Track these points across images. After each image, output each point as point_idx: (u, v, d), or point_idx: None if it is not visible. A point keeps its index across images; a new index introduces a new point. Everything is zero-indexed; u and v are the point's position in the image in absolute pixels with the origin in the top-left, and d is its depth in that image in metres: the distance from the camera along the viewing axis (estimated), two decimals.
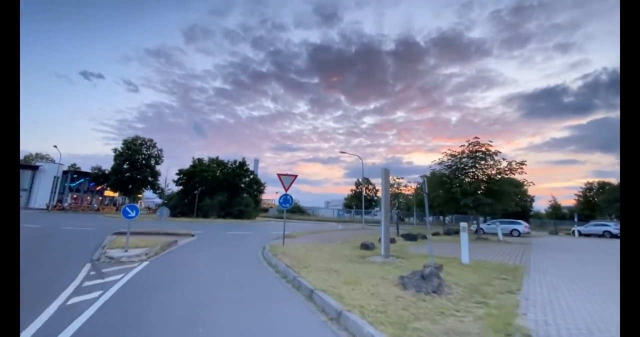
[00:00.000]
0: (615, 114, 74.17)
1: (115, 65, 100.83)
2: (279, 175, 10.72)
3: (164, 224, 15.34)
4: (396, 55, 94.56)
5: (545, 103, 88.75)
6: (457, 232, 23.28)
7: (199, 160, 32.28)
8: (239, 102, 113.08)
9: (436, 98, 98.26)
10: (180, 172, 31.84)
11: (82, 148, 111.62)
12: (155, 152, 44.62)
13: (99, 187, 46.62)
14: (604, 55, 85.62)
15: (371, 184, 56.90)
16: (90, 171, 42.00)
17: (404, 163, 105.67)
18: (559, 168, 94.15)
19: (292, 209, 50.77)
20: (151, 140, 44.55)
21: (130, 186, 42.30)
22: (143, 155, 43.58)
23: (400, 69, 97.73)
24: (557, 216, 55.12)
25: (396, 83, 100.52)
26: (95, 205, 40.10)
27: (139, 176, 42.23)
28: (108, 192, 47.92)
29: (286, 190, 10.78)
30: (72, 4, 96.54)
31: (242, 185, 33.53)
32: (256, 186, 34.77)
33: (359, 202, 56.57)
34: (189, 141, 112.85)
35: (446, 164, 18.71)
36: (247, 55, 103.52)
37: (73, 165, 61.77)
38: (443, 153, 19.11)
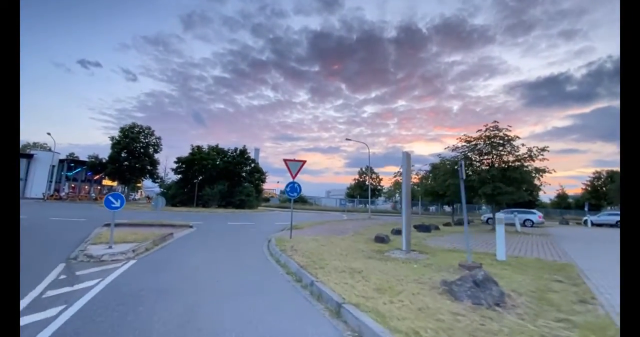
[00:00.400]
0: (619, 103, 75.31)
1: (113, 54, 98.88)
2: (285, 160, 9.55)
3: (160, 215, 14.30)
4: (398, 43, 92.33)
5: (547, 91, 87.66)
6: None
7: (198, 147, 30.92)
8: (238, 91, 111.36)
9: (438, 86, 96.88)
10: (179, 160, 30.54)
11: (82, 138, 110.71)
12: (154, 140, 43.41)
13: (97, 176, 45.64)
14: (609, 43, 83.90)
15: (375, 173, 55.78)
16: (87, 160, 40.83)
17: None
18: (560, 157, 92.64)
19: (295, 199, 49.45)
20: (149, 128, 43.29)
21: (129, 174, 41.34)
22: (141, 144, 42.37)
23: (401, 57, 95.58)
24: (562, 205, 54.18)
25: (398, 71, 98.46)
26: (94, 194, 39.18)
27: (137, 165, 41.18)
28: (107, 181, 46.98)
29: (293, 177, 9.65)
30: None
31: (243, 174, 32.34)
32: (258, 175, 33.58)
33: (363, 191, 55.64)
34: (189, 130, 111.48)
35: (460, 151, 17.50)
36: (246, 43, 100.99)
37: (71, 154, 60.54)
38: (458, 139, 17.88)
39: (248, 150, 32.41)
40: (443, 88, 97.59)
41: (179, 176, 30.66)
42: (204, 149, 30.91)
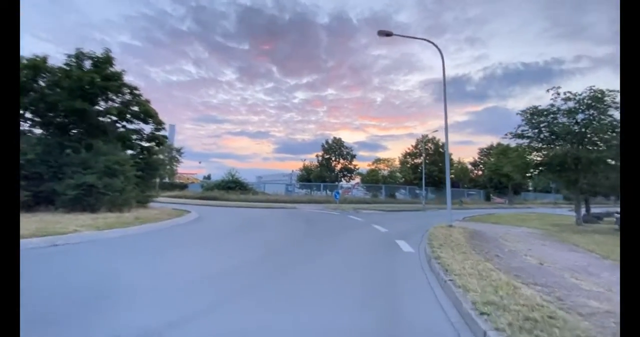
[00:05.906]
0: (503, 104, 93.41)
1: None
2: None
3: None
4: (330, 30, 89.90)
5: (453, 89, 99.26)
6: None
7: None
8: (152, 63, 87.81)
9: (364, 78, 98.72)
10: None
11: None
12: None
13: None
14: (501, 51, 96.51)
15: (345, 147, 40.57)
16: None
17: (332, 141, 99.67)
18: (459, 147, 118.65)
19: (229, 185, 32.13)
20: None
21: None
22: None
23: (333, 44, 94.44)
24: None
25: (329, 58, 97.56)
26: None
27: None
28: None
29: None
30: None
31: (109, 115, 12.83)
32: (153, 124, 14.29)
33: (329, 172, 40.10)
34: None
35: None
36: (163, 9, 77.44)
37: None
38: None
39: (115, 62, 12.67)
40: (369, 80, 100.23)
41: None
42: None
